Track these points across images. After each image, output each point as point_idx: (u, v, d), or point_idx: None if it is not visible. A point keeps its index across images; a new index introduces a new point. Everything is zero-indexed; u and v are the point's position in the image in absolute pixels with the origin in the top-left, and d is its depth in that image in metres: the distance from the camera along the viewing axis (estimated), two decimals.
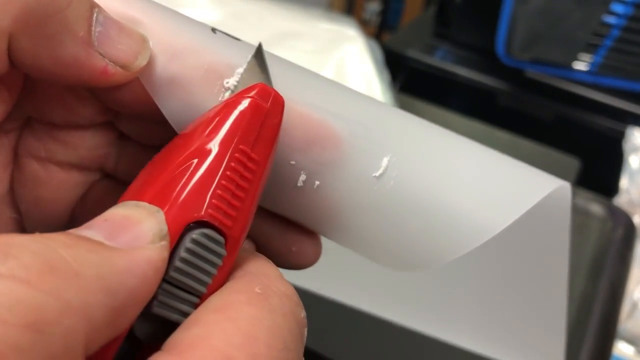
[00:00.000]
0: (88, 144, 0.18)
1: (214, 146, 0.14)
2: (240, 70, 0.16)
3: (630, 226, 0.40)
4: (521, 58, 0.58)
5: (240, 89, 0.16)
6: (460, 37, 0.64)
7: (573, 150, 0.43)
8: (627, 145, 0.55)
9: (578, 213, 0.41)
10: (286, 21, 0.46)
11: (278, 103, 0.15)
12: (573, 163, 0.42)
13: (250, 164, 0.14)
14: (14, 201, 0.18)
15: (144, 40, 0.15)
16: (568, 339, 0.32)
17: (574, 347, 0.32)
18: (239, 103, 0.15)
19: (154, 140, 0.18)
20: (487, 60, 0.62)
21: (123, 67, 0.15)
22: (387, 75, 0.45)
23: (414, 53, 0.63)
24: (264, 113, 0.15)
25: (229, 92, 0.16)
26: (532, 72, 0.60)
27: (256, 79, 0.16)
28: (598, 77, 0.57)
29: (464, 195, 0.18)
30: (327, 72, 0.43)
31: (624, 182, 0.53)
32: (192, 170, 0.14)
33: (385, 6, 1.26)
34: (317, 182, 0.17)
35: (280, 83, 0.16)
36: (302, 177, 0.17)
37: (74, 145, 0.18)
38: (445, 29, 0.65)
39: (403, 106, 0.44)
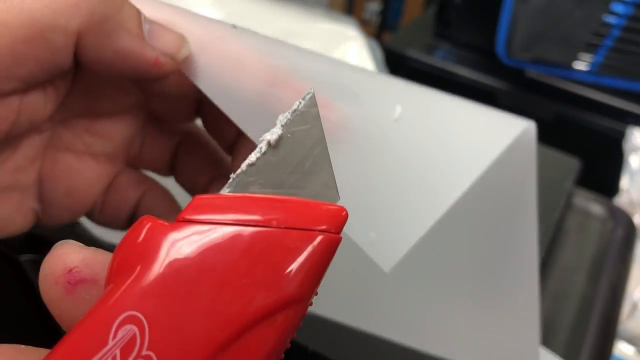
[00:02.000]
0: (121, 133, 0.20)
1: (300, 300, 0.12)
2: (283, 119, 0.14)
3: (630, 226, 0.40)
4: (521, 58, 0.58)
5: (283, 150, 0.13)
6: (461, 37, 0.64)
7: (573, 150, 0.43)
8: (627, 145, 0.54)
9: (578, 213, 0.41)
10: (286, 21, 0.46)
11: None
12: (573, 163, 0.42)
13: (304, 310, 0.12)
14: (38, 193, 0.19)
15: (182, 36, 0.18)
16: (568, 338, 0.32)
17: (574, 347, 0.32)
18: (326, 247, 0.12)
19: (180, 117, 0.22)
20: (487, 60, 0.62)
21: (171, 57, 0.17)
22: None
23: (414, 53, 0.63)
24: (337, 245, 0.13)
25: (266, 143, 0.13)
26: (533, 72, 0.60)
27: (307, 141, 0.13)
28: (598, 77, 0.57)
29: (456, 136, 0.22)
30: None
31: (624, 182, 0.53)
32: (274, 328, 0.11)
33: (385, 6, 1.26)
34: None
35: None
36: None
37: (109, 135, 0.20)
38: (445, 29, 0.65)
39: None
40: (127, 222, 0.21)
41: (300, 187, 0.13)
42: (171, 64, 0.17)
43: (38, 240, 0.34)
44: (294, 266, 0.12)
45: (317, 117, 0.14)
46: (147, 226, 0.12)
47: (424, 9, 1.04)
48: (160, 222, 0.12)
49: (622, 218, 0.40)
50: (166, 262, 0.11)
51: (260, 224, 0.12)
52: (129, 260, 0.11)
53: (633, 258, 0.39)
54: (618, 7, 0.51)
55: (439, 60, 0.62)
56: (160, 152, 0.22)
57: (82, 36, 0.15)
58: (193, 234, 0.12)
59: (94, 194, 0.21)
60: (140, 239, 0.12)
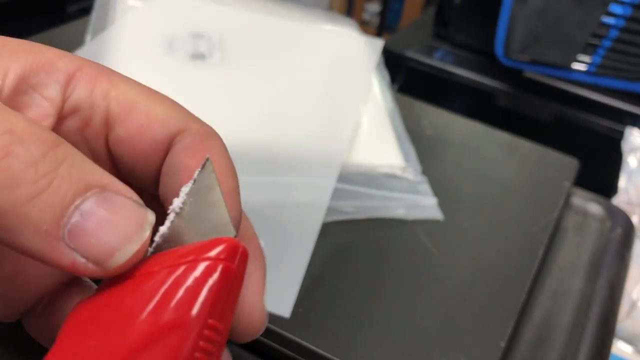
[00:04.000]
0: None
1: (182, 326, 0.12)
2: (186, 190, 0.14)
3: (628, 226, 0.40)
4: (520, 59, 0.58)
5: (188, 214, 0.14)
6: (459, 38, 0.64)
7: (572, 151, 0.43)
8: (625, 146, 0.55)
9: (576, 213, 0.41)
10: (286, 21, 0.46)
11: (244, 257, 0.13)
12: (571, 163, 0.42)
13: (216, 337, 0.12)
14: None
15: (136, 228, 0.13)
16: (566, 338, 0.32)
17: (572, 347, 0.32)
18: (208, 272, 0.12)
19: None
20: (486, 60, 0.62)
21: (96, 263, 0.13)
22: (386, 75, 0.46)
23: (413, 54, 0.63)
24: (232, 276, 0.13)
25: (173, 214, 0.14)
26: (531, 73, 0.60)
27: (207, 199, 0.14)
28: (597, 77, 0.57)
29: None
30: (326, 72, 0.43)
31: (622, 182, 0.53)
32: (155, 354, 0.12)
33: (385, 7, 1.26)
34: None
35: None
36: None
37: None
38: (444, 30, 0.65)
39: (402, 106, 0.44)
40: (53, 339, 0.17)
41: (202, 236, 0.14)
42: (95, 270, 0.13)
43: None
44: (171, 294, 0.12)
45: (214, 179, 0.14)
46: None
47: (423, 10, 1.04)
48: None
49: (620, 218, 0.41)
50: (69, 319, 0.13)
51: (143, 272, 0.13)
52: None
53: (631, 257, 0.39)
54: (616, 8, 0.51)
55: (437, 61, 0.63)
56: None
57: None
58: (90, 298, 0.14)
59: (37, 291, 0.17)
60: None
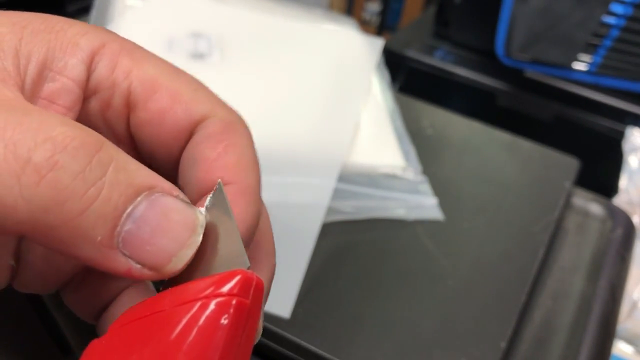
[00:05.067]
0: None
1: None
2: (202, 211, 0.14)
3: (629, 226, 0.40)
4: (521, 58, 0.58)
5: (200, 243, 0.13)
6: (460, 38, 0.64)
7: (573, 150, 0.43)
8: (626, 145, 0.55)
9: (577, 213, 0.41)
10: (286, 21, 0.46)
11: (258, 291, 0.12)
12: (572, 163, 0.42)
13: None
14: (17, 248, 0.16)
15: (190, 234, 0.13)
16: (567, 338, 0.32)
17: (573, 347, 0.32)
18: (221, 310, 0.12)
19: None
20: (486, 60, 0.62)
21: (152, 269, 0.12)
22: (386, 75, 0.45)
23: (413, 53, 0.63)
24: (247, 312, 0.12)
25: None
26: (532, 73, 0.60)
27: (220, 227, 0.14)
28: (598, 77, 0.57)
29: None
30: (327, 72, 0.43)
31: (623, 182, 0.53)
32: None
33: (385, 6, 1.26)
34: None
35: None
36: None
37: None
38: (444, 29, 0.65)
39: (403, 106, 0.44)
40: (98, 314, 0.17)
41: (215, 268, 0.14)
42: (152, 275, 0.13)
43: None
44: (184, 337, 0.12)
45: (227, 207, 0.14)
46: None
47: (423, 10, 1.04)
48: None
49: (621, 218, 0.40)
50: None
51: (156, 310, 0.12)
52: None
53: (632, 258, 0.39)
54: (617, 8, 0.51)
55: (438, 61, 0.62)
56: None
57: (31, 237, 0.12)
58: (102, 339, 0.13)
59: (73, 266, 0.17)
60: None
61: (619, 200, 0.52)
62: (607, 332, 0.33)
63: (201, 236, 0.13)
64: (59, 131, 0.11)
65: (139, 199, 0.12)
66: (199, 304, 0.12)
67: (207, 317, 0.12)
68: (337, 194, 0.35)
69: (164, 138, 0.16)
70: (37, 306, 0.31)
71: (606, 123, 0.58)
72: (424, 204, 0.36)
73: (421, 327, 0.30)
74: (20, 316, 0.30)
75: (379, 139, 0.40)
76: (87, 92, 0.15)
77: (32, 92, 0.14)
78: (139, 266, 0.12)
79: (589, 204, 0.41)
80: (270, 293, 0.30)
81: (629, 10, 0.51)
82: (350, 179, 0.36)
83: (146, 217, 0.12)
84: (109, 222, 0.11)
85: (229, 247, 0.14)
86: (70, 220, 0.11)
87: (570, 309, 0.34)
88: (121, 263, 0.12)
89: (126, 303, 0.16)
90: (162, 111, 0.15)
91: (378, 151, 0.39)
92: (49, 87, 0.14)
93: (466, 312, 0.31)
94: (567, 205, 0.41)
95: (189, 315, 0.12)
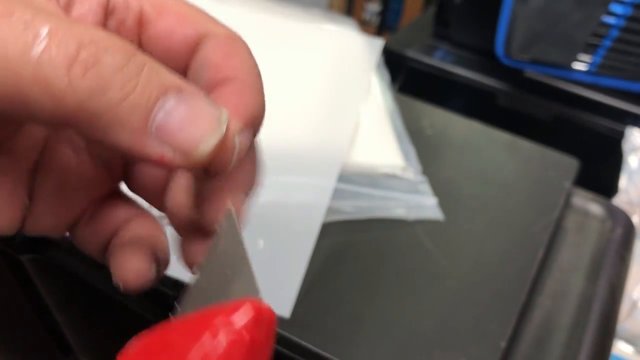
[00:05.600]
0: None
1: None
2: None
3: (629, 226, 0.40)
4: (520, 58, 0.58)
5: (211, 269, 0.14)
6: (460, 38, 0.64)
7: (572, 150, 0.43)
8: (626, 145, 0.55)
9: (577, 213, 0.41)
10: (286, 21, 0.46)
11: (270, 324, 0.12)
12: (572, 163, 0.42)
13: None
14: (30, 186, 0.18)
15: (216, 123, 0.14)
16: (567, 338, 0.32)
17: (573, 347, 0.32)
18: (235, 346, 0.12)
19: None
20: (486, 60, 0.62)
21: (184, 154, 0.14)
22: (386, 75, 0.46)
23: (413, 53, 0.63)
24: (259, 348, 0.12)
25: (197, 269, 0.14)
26: (532, 73, 0.60)
27: (231, 254, 0.14)
28: (597, 77, 0.57)
29: None
30: (327, 72, 0.43)
31: (623, 182, 0.53)
32: None
33: (385, 7, 1.26)
34: None
35: None
36: None
37: None
38: (444, 30, 0.65)
39: (402, 106, 0.44)
40: (104, 247, 0.19)
41: (225, 296, 0.14)
42: (182, 162, 0.14)
43: (38, 240, 0.35)
44: None
45: (237, 232, 0.14)
46: None
47: (423, 10, 1.04)
48: None
49: (621, 218, 0.40)
50: None
51: (167, 340, 0.13)
52: None
53: (632, 258, 0.39)
54: (617, 8, 0.51)
55: (438, 61, 0.62)
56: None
57: (69, 123, 0.13)
58: None
59: (84, 200, 0.19)
60: None
61: (619, 200, 0.52)
62: (606, 332, 0.33)
63: (225, 128, 0.14)
64: (101, 36, 0.13)
65: (169, 94, 0.14)
66: (210, 337, 0.12)
67: (220, 355, 0.12)
68: (337, 194, 0.35)
69: (172, 51, 0.17)
70: (37, 306, 0.31)
71: (606, 123, 0.58)
72: (424, 204, 0.37)
73: (421, 327, 0.30)
74: (20, 316, 0.30)
75: (378, 139, 0.40)
76: (106, 14, 0.18)
77: (66, 7, 0.16)
78: (170, 151, 0.14)
79: (589, 204, 0.41)
80: (270, 293, 0.30)
81: (629, 11, 0.51)
82: (350, 179, 0.36)
83: (176, 109, 0.14)
84: (144, 111, 0.13)
85: (240, 275, 0.14)
86: (111, 108, 0.13)
87: (570, 308, 0.34)
88: (155, 149, 0.14)
89: (134, 233, 0.18)
90: (170, 27, 0.17)
91: (378, 151, 0.39)
92: (77, 9, 0.17)
93: (466, 312, 0.31)
94: (567, 205, 0.41)
95: (199, 350, 0.12)
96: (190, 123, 0.14)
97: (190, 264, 0.18)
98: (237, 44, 0.18)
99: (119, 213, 0.19)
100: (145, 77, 0.13)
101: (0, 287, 0.33)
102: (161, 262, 0.18)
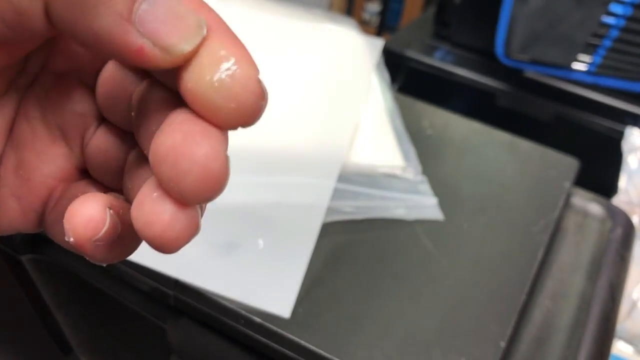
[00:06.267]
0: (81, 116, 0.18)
1: None
2: None
3: (628, 226, 0.40)
4: (520, 58, 0.58)
5: None
6: (460, 38, 0.64)
7: (572, 150, 0.43)
8: (625, 145, 0.55)
9: (577, 213, 0.41)
10: (286, 21, 0.46)
11: None
12: (572, 163, 0.42)
13: None
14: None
15: (197, 25, 0.14)
16: (566, 338, 0.32)
17: (573, 347, 0.32)
18: None
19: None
20: (486, 60, 0.62)
21: (163, 49, 0.14)
22: (386, 75, 0.46)
23: (413, 53, 0.63)
24: None
25: None
26: (532, 73, 0.60)
27: None
28: (597, 77, 0.57)
29: None
30: (327, 72, 0.43)
31: (622, 182, 0.53)
32: None
33: (385, 7, 1.26)
34: None
35: None
36: None
37: (69, 113, 0.18)
38: (444, 30, 0.65)
39: (402, 106, 0.44)
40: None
41: None
42: (162, 58, 0.14)
43: (38, 240, 0.35)
44: None
45: None
46: None
47: (423, 10, 1.04)
48: None
49: (620, 218, 0.40)
50: None
51: None
52: None
53: (631, 257, 0.39)
54: (616, 8, 0.51)
55: (438, 61, 0.62)
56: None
57: (51, 5, 0.13)
58: None
59: (47, 180, 0.18)
60: None
61: (619, 200, 0.52)
62: (606, 331, 0.34)
63: (205, 32, 0.14)
64: None
65: None
66: None
67: None
68: (337, 194, 0.35)
69: None
70: (37, 306, 0.31)
71: (606, 123, 0.58)
72: (424, 204, 0.37)
73: (421, 327, 0.30)
74: (20, 316, 0.30)
75: (378, 139, 0.40)
76: None
77: None
78: (151, 44, 0.13)
79: (589, 204, 0.41)
80: (271, 293, 0.30)
81: (629, 11, 0.51)
82: (350, 179, 0.36)
83: (161, 2, 0.14)
84: None
85: None
86: None
87: (569, 308, 0.34)
88: (135, 39, 0.13)
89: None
90: None
91: (378, 151, 0.39)
92: None
93: (466, 312, 0.31)
94: (567, 205, 0.41)
95: None
96: (174, 18, 0.14)
97: None
98: None
99: (86, 192, 0.17)
100: None
101: (1, 287, 0.33)
102: (120, 212, 0.16)
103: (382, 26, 1.27)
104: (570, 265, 0.37)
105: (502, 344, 0.29)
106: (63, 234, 0.17)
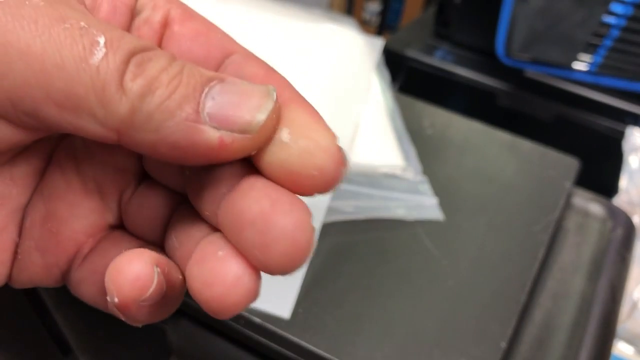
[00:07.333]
0: (119, 177, 0.17)
1: None
2: None
3: (629, 226, 0.40)
4: (521, 58, 0.58)
5: None
6: (460, 37, 0.64)
7: (573, 150, 0.43)
8: (626, 145, 0.55)
9: (577, 213, 0.41)
10: (286, 21, 0.46)
11: None
12: (572, 163, 0.42)
13: None
14: (21, 220, 0.16)
15: (265, 93, 0.14)
16: (567, 338, 0.32)
17: (573, 347, 0.32)
18: None
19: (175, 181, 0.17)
20: (486, 60, 0.62)
21: (242, 130, 0.13)
22: (386, 75, 0.45)
23: (413, 53, 0.63)
24: None
25: None
26: (532, 72, 0.60)
27: None
28: (598, 77, 0.57)
29: None
30: (327, 72, 0.43)
31: (623, 182, 0.53)
32: None
33: (385, 6, 1.26)
34: None
35: None
36: None
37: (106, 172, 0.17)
38: (444, 29, 0.65)
39: (403, 106, 0.44)
40: (102, 289, 0.15)
41: None
42: (241, 139, 0.13)
43: None
44: None
45: None
46: None
47: (423, 10, 1.04)
48: None
49: (621, 218, 0.40)
50: None
51: None
52: None
53: (632, 258, 0.39)
54: (617, 8, 0.51)
55: (438, 61, 0.62)
56: (155, 213, 0.18)
57: (124, 137, 0.13)
58: None
59: (76, 235, 0.17)
60: None
61: (619, 200, 0.52)
62: (607, 332, 0.33)
63: (275, 96, 0.14)
64: (146, 45, 0.14)
65: (212, 83, 0.14)
66: None
67: None
68: (337, 194, 0.35)
69: (194, 54, 0.17)
70: (37, 307, 0.31)
71: (606, 123, 0.58)
72: (424, 204, 0.36)
73: (421, 327, 0.30)
74: (20, 317, 0.30)
75: (379, 139, 0.40)
76: (132, 13, 0.17)
77: (92, 13, 0.16)
78: (228, 133, 0.13)
79: (589, 204, 0.41)
80: (270, 293, 0.30)
81: (629, 10, 0.51)
82: (351, 179, 0.36)
83: (224, 93, 0.14)
84: (192, 100, 0.13)
85: None
86: (161, 103, 0.13)
87: (570, 309, 0.34)
88: (212, 134, 0.13)
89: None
90: (197, 31, 0.17)
91: (378, 151, 0.39)
92: (104, 9, 0.17)
93: (466, 312, 0.31)
94: (567, 205, 0.41)
95: None
96: (241, 100, 0.13)
97: None
98: (266, 63, 0.18)
99: (119, 249, 0.16)
100: (187, 73, 0.13)
101: (0, 287, 0.33)
102: (165, 270, 0.15)
103: (383, 26, 1.27)
104: (571, 265, 0.37)
105: (503, 344, 0.29)
106: (92, 292, 0.17)
